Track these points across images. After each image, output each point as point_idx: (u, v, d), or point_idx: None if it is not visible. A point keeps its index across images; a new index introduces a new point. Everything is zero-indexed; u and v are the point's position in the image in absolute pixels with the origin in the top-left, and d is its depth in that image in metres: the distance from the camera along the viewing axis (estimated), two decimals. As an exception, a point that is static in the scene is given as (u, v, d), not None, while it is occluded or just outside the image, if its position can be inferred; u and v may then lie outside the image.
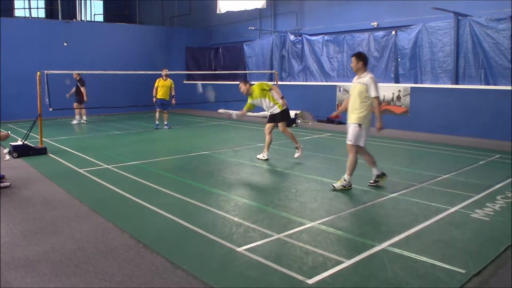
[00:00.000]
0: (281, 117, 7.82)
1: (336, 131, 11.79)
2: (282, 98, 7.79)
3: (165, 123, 12.77)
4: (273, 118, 7.88)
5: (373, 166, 6.00)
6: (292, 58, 16.15)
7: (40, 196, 5.63)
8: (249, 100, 7.99)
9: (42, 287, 3.21)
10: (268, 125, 7.94)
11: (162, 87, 12.47)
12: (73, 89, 13.93)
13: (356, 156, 5.83)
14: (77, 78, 13.76)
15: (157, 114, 12.89)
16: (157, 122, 12.86)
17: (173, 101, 12.76)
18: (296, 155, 7.90)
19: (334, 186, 5.87)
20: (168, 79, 12.57)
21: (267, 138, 7.90)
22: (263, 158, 7.88)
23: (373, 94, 5.66)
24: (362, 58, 5.82)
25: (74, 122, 14.29)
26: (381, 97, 11.62)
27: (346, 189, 5.82)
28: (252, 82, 8.36)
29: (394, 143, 10.02)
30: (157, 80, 12.59)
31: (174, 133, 12.24)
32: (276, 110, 7.80)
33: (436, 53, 11.85)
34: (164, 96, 12.52)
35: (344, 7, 14.77)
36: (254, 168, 7.31)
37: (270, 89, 7.80)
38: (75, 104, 13.90)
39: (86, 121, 14.41)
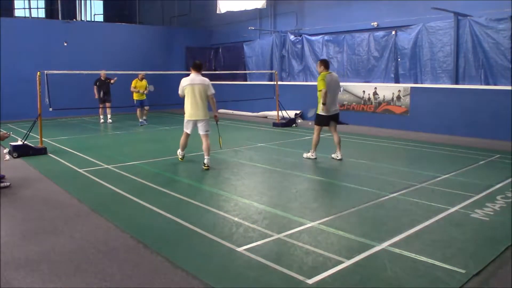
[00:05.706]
0: None
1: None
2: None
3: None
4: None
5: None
6: (292, 58, 16.15)
7: (40, 196, 5.64)
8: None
9: (42, 287, 3.21)
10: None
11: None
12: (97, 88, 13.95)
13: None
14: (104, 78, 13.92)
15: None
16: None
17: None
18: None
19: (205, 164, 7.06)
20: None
21: None
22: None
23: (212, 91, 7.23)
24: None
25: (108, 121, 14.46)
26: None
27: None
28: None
29: (394, 143, 10.01)
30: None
31: (174, 133, 12.22)
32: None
33: (436, 53, 11.85)
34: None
35: (344, 7, 14.76)
36: (254, 168, 7.31)
37: None
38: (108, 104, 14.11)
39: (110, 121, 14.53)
